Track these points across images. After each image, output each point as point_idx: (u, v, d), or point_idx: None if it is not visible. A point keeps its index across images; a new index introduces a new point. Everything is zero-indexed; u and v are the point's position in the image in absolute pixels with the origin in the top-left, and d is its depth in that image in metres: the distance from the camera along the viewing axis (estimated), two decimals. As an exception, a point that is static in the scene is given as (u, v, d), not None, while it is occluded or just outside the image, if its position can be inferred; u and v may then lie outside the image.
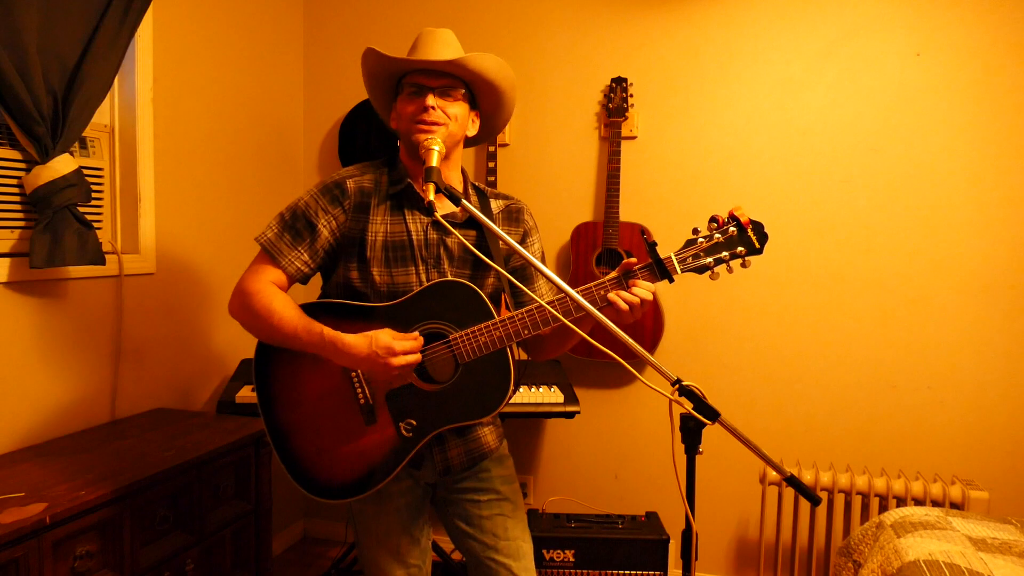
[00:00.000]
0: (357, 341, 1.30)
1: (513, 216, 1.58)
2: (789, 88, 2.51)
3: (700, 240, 1.30)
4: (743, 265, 1.31)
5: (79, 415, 1.99)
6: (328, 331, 1.32)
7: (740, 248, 1.30)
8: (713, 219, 1.31)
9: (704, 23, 2.57)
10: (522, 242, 1.58)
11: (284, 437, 1.44)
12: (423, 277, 1.43)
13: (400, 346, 1.29)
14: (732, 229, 1.30)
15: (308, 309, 1.40)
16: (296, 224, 1.41)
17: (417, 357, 1.32)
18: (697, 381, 1.14)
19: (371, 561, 1.52)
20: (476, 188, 1.57)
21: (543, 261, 1.58)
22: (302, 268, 1.42)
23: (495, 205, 1.56)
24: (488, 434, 1.55)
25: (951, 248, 2.40)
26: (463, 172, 1.53)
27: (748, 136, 2.55)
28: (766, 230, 1.30)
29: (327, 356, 1.34)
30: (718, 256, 1.30)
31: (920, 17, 2.38)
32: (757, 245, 1.30)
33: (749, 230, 1.29)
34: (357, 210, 1.42)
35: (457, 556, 2.65)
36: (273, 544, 2.27)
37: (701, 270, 1.31)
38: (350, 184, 1.43)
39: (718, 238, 1.30)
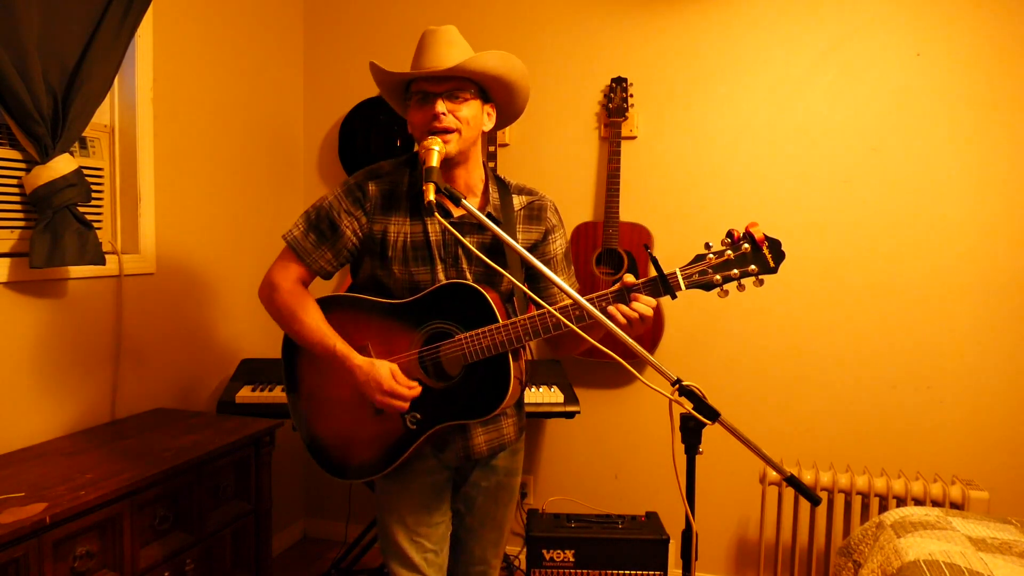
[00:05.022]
0: (361, 365, 1.41)
1: (534, 213, 1.55)
2: (789, 88, 2.51)
3: (710, 256, 1.26)
4: (756, 284, 1.24)
5: (79, 415, 1.99)
6: (340, 348, 1.42)
7: (752, 267, 1.24)
8: (729, 234, 1.26)
9: (704, 23, 2.57)
10: (543, 240, 1.55)
11: (305, 418, 1.57)
12: (441, 276, 1.46)
13: (389, 386, 1.38)
14: (745, 246, 1.24)
15: (328, 301, 1.50)
16: (320, 225, 1.48)
17: (403, 405, 1.40)
18: (697, 381, 1.14)
19: (390, 540, 1.55)
20: (499, 181, 1.54)
21: (566, 258, 1.60)
22: (325, 266, 1.50)
23: (517, 201, 1.54)
24: (511, 426, 1.58)
25: (951, 248, 2.40)
26: (485, 167, 1.53)
27: (748, 136, 2.55)
28: (783, 248, 1.24)
29: (335, 367, 1.45)
30: (727, 273, 1.25)
31: (920, 17, 2.38)
32: (772, 264, 1.23)
33: (764, 248, 1.24)
34: (378, 211, 1.47)
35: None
36: (273, 544, 2.27)
37: (708, 287, 1.26)
38: (371, 187, 1.47)
39: (729, 255, 1.25)
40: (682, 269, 1.28)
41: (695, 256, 1.28)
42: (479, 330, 1.37)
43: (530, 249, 1.54)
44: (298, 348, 1.54)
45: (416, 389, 1.41)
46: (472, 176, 1.49)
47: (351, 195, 1.47)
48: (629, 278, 1.31)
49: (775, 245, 1.24)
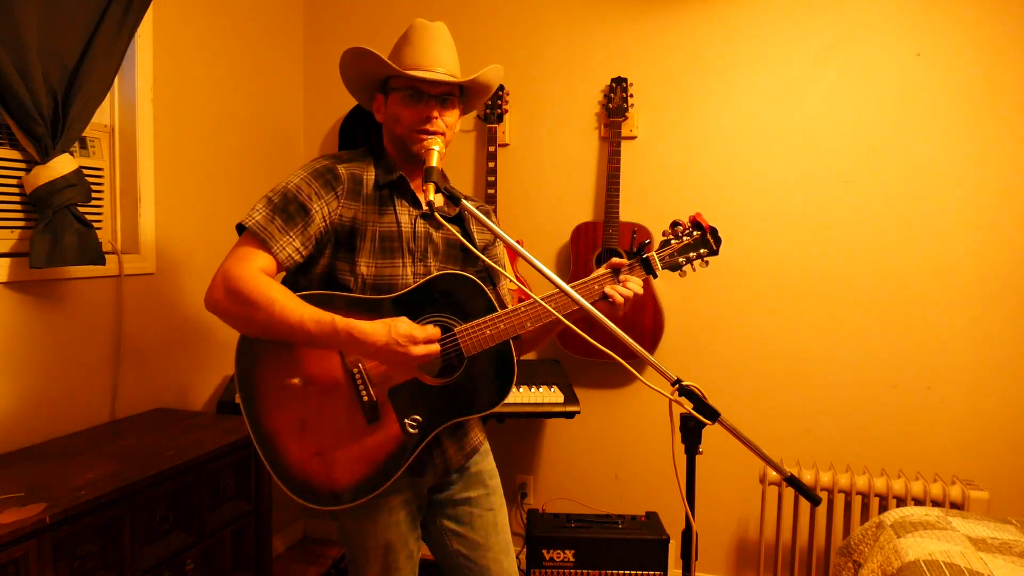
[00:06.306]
0: (375, 328, 1.24)
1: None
2: (789, 88, 2.51)
3: (673, 241, 1.46)
4: (703, 265, 1.48)
5: (79, 415, 1.99)
6: (340, 319, 1.25)
7: (703, 249, 1.47)
8: (676, 223, 1.47)
9: (704, 23, 2.57)
10: (492, 243, 1.60)
11: (274, 440, 1.33)
12: (409, 271, 1.41)
13: (421, 334, 1.26)
14: (696, 232, 1.46)
15: (304, 299, 1.30)
16: (288, 207, 1.32)
17: (436, 348, 1.28)
18: (697, 381, 1.14)
19: None
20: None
21: (506, 262, 1.67)
22: (293, 255, 1.32)
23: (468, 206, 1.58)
24: (476, 428, 1.57)
25: (951, 248, 2.40)
26: (443, 174, 1.54)
27: (748, 136, 2.55)
28: (720, 234, 1.49)
29: (337, 347, 1.29)
30: (687, 256, 1.46)
31: (920, 17, 2.38)
32: (714, 247, 1.47)
33: (708, 234, 1.46)
34: (349, 197, 1.37)
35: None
36: (273, 544, 2.27)
37: (674, 268, 1.47)
38: (342, 170, 1.37)
39: (687, 240, 1.46)
40: (657, 253, 1.45)
41: (661, 243, 1.48)
42: (480, 320, 1.35)
43: (482, 250, 1.55)
44: (257, 355, 1.35)
45: (437, 331, 1.29)
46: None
47: (321, 177, 1.35)
48: (617, 260, 1.44)
49: (715, 232, 1.47)
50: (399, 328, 1.25)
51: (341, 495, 1.34)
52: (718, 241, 1.47)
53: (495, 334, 1.35)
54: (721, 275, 2.55)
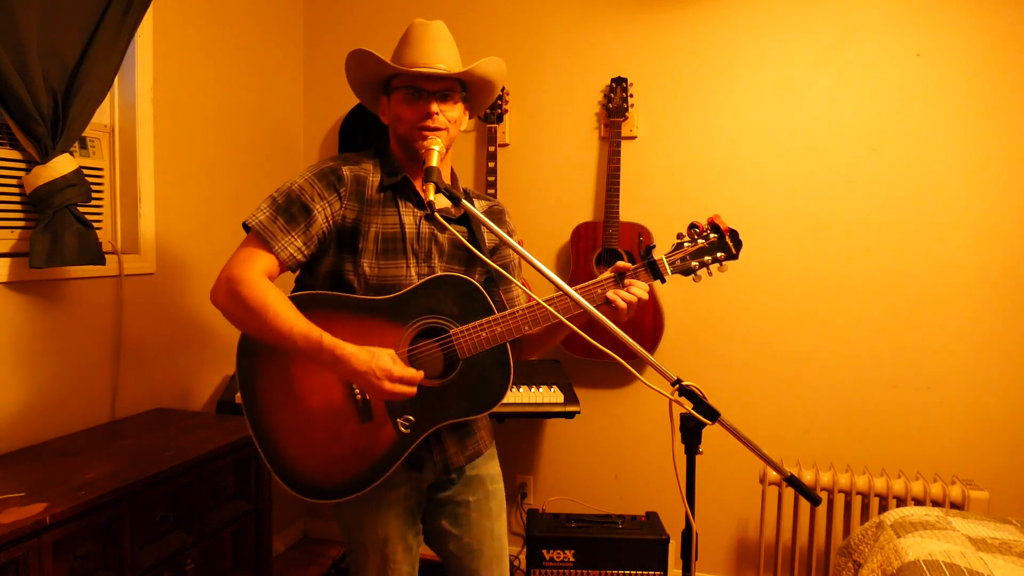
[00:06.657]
0: (358, 354, 1.25)
1: (496, 216, 1.58)
2: (789, 88, 2.51)
3: (686, 244, 1.41)
4: (720, 269, 1.41)
5: (79, 415, 1.99)
6: (328, 338, 1.26)
7: (720, 253, 1.41)
8: (693, 225, 1.41)
9: (704, 23, 2.57)
10: (501, 244, 1.57)
11: (272, 436, 1.37)
12: (413, 272, 1.41)
13: (399, 372, 1.25)
14: (713, 235, 1.40)
15: (302, 300, 1.34)
16: (291, 208, 1.35)
17: (412, 391, 1.27)
18: (697, 381, 1.14)
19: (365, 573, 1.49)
20: (462, 190, 1.56)
21: (520, 263, 1.62)
22: (295, 255, 1.35)
23: (479, 205, 1.56)
24: (483, 430, 1.56)
25: (951, 248, 2.40)
26: (452, 171, 1.53)
27: (748, 136, 2.55)
28: (740, 237, 1.42)
29: (321, 364, 1.29)
30: (702, 260, 1.40)
31: (920, 17, 2.38)
32: (734, 251, 1.41)
33: (727, 237, 1.40)
34: (352, 199, 1.39)
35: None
36: (273, 544, 2.27)
37: (687, 272, 1.41)
38: (346, 171, 1.39)
39: (702, 243, 1.40)
40: (667, 256, 1.40)
41: (674, 245, 1.42)
42: (476, 322, 1.35)
43: (493, 250, 1.54)
44: (257, 354, 1.38)
45: (420, 373, 1.29)
46: (444, 175, 1.47)
47: (324, 179, 1.38)
48: (623, 264, 1.40)
49: (735, 234, 1.41)
50: (380, 360, 1.25)
51: (338, 489, 1.37)
52: (738, 245, 1.40)
53: (491, 336, 1.34)
54: (721, 275, 2.55)
